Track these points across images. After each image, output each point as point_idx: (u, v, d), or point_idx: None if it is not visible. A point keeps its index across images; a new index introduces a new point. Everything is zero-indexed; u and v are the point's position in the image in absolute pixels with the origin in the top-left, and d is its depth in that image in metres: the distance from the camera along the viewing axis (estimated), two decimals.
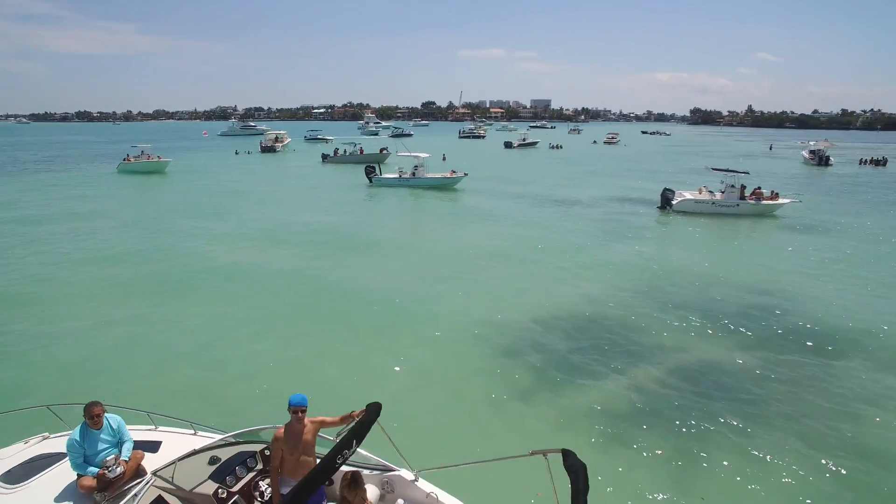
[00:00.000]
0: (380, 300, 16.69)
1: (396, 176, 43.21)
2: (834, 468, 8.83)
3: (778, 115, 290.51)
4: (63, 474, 6.28)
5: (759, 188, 33.99)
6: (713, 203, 32.63)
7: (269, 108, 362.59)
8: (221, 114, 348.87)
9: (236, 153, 77.21)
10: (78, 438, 5.99)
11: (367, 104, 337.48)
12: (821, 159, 67.28)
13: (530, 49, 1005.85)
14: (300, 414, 5.52)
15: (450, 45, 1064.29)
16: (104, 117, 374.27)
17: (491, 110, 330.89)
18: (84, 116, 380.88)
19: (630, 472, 8.64)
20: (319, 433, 5.77)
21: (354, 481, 4.87)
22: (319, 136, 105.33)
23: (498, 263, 21.23)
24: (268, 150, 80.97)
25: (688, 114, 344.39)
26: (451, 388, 11.30)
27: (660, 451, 9.21)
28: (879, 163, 67.05)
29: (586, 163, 68.98)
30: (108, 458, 6.00)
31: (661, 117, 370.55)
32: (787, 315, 15.77)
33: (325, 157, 64.66)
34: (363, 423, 4.84)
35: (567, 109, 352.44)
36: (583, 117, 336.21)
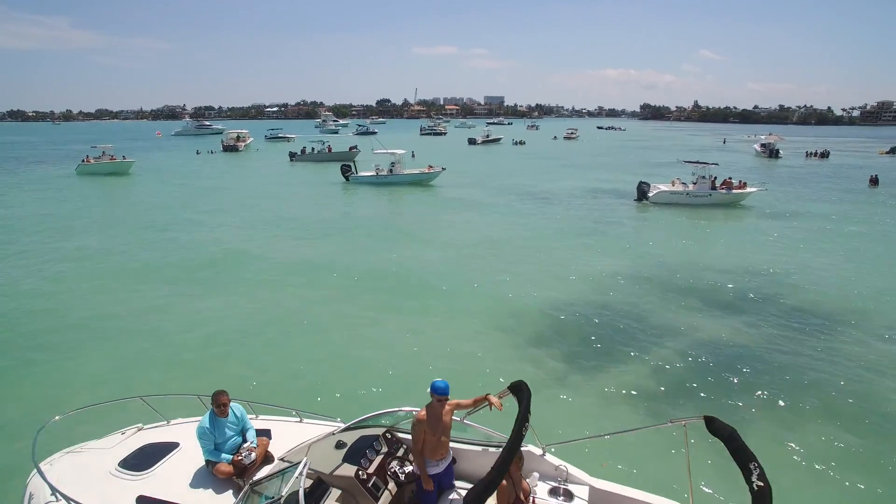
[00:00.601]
0: (411, 284, 17.78)
1: (373, 174, 43.26)
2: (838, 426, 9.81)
3: (722, 110, 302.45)
4: (185, 461, 6.45)
5: (729, 178, 35.82)
6: (687, 194, 34.21)
7: (221, 107, 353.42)
8: (170, 113, 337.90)
9: (197, 153, 75.36)
10: (208, 426, 6.20)
11: (322, 102, 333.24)
12: (771, 152, 70.85)
13: (481, 46, 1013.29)
14: (439, 402, 5.85)
15: (402, 43, 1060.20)
16: (41, 117, 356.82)
17: (446, 107, 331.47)
18: (18, 116, 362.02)
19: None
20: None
21: (520, 458, 5.29)
22: (280, 135, 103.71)
23: (494, 252, 21.92)
24: (230, 149, 79.40)
25: (638, 109, 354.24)
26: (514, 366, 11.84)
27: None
28: (824, 155, 71.12)
29: (552, 158, 70.43)
30: (244, 446, 6.26)
31: (613, 113, 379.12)
32: (775, 287, 17.56)
33: (292, 155, 63.90)
34: (527, 404, 5.03)
35: (521, 106, 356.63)
36: (536, 113, 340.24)
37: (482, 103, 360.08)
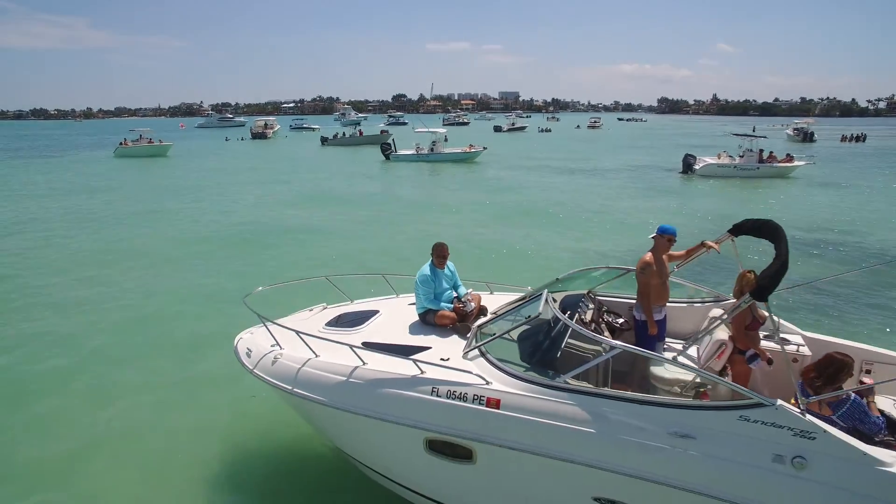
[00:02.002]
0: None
1: (414, 152, 43.37)
2: None
3: (742, 103, 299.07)
4: (393, 321, 6.53)
5: (773, 153, 35.50)
6: (735, 167, 33.97)
7: (238, 104, 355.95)
8: (188, 110, 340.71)
9: (227, 139, 76.27)
10: (429, 273, 6.30)
11: (338, 98, 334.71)
12: (805, 135, 70.02)
13: (496, 42, 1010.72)
14: (669, 243, 5.91)
15: (416, 39, 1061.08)
16: (62, 115, 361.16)
17: (461, 102, 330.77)
18: (40, 114, 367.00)
19: None
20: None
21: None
22: (305, 126, 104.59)
23: (559, 218, 21.96)
24: (259, 136, 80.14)
25: (654, 104, 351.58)
26: None
27: None
28: (860, 139, 70.15)
29: (584, 142, 70.24)
30: (465, 294, 6.47)
31: (629, 107, 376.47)
32: (848, 244, 17.34)
33: (324, 139, 64.32)
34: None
35: (536, 101, 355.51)
36: (552, 108, 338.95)
37: (497, 98, 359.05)
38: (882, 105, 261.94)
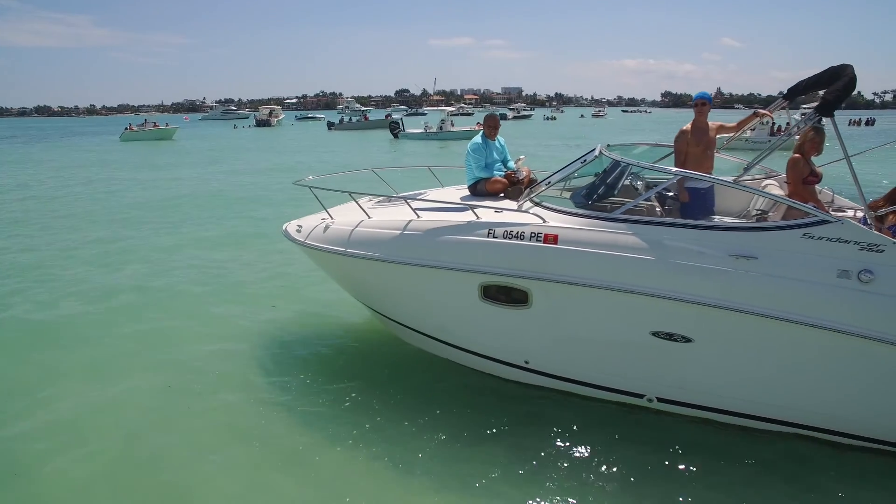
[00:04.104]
0: None
1: (422, 130, 43.38)
2: None
3: (746, 97, 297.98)
4: (444, 194, 6.47)
5: (781, 126, 35.56)
6: (746, 140, 33.91)
7: (240, 99, 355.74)
8: (190, 106, 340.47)
9: (234, 127, 76.50)
10: (481, 142, 6.24)
11: (340, 93, 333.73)
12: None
13: (498, 37, 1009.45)
14: (703, 107, 5.82)
15: (419, 34, 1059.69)
16: (66, 112, 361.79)
17: (464, 97, 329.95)
18: (44, 111, 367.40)
19: None
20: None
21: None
22: (310, 116, 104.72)
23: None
24: (263, 123, 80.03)
25: (657, 98, 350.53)
26: None
27: None
28: (869, 122, 70.04)
29: (591, 126, 70.23)
30: (516, 163, 6.45)
31: (632, 102, 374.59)
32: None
33: (330, 125, 64.36)
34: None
35: (539, 95, 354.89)
36: (555, 103, 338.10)
37: (500, 93, 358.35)
38: (888, 97, 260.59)
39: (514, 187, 6.07)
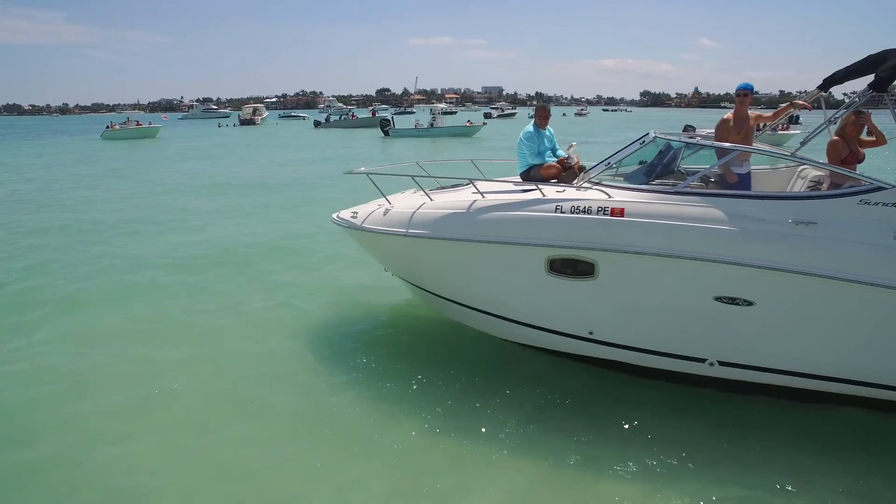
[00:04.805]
0: None
1: (413, 127, 43.55)
2: None
3: (723, 96, 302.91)
4: (495, 183, 6.58)
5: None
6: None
7: (219, 98, 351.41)
8: (168, 105, 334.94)
9: (219, 125, 75.73)
10: (533, 131, 6.47)
11: (321, 92, 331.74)
12: (791, 118, 70.89)
13: (479, 37, 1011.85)
14: (745, 97, 6.13)
15: (399, 34, 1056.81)
16: (37, 111, 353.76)
17: (446, 96, 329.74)
18: (14, 110, 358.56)
19: None
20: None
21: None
22: (293, 115, 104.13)
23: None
24: (247, 122, 79.25)
25: (636, 97, 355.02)
26: None
27: None
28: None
29: (575, 125, 70.90)
30: (568, 150, 6.64)
31: (611, 101, 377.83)
32: None
33: (317, 123, 64.18)
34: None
35: (520, 94, 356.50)
36: (535, 102, 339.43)
37: (481, 92, 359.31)
38: (857, 98, 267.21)
39: (568, 172, 6.33)
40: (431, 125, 42.98)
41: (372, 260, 7.53)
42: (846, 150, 5.64)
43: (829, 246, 4.57)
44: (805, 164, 6.52)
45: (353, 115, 63.68)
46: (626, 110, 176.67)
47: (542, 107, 6.70)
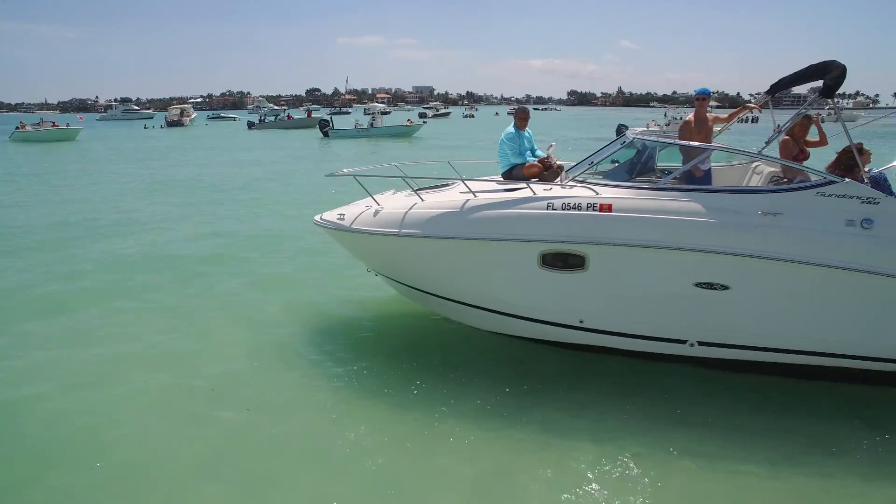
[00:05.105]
0: None
1: (353, 127, 43.27)
2: None
3: (644, 95, 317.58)
4: (478, 183, 6.70)
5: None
6: (664, 133, 36.82)
7: (139, 98, 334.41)
8: (80, 105, 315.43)
9: (145, 127, 72.09)
10: (514, 132, 6.78)
11: (248, 92, 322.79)
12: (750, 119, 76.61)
13: (408, 36, 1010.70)
14: (704, 101, 6.71)
15: (327, 33, 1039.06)
16: None
17: (377, 96, 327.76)
18: None
19: None
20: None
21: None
22: (223, 115, 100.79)
23: None
24: (174, 124, 75.50)
25: (564, 97, 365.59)
26: None
27: None
28: (755, 120, 77.08)
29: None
30: (548, 150, 6.98)
31: (540, 100, 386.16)
32: None
33: (251, 124, 62.30)
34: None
35: (451, 94, 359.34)
36: (466, 102, 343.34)
37: (412, 92, 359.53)
38: (760, 98, 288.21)
39: (549, 171, 6.70)
40: (371, 125, 42.87)
41: (351, 260, 7.65)
42: (796, 149, 6.29)
43: (792, 234, 5.14)
44: (758, 160, 7.24)
45: (289, 116, 62.26)
46: (555, 109, 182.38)
47: (522, 109, 7.03)
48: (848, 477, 4.45)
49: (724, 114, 7.25)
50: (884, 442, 4.86)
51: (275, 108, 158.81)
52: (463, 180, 6.22)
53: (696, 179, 6.26)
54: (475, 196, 5.96)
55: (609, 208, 5.48)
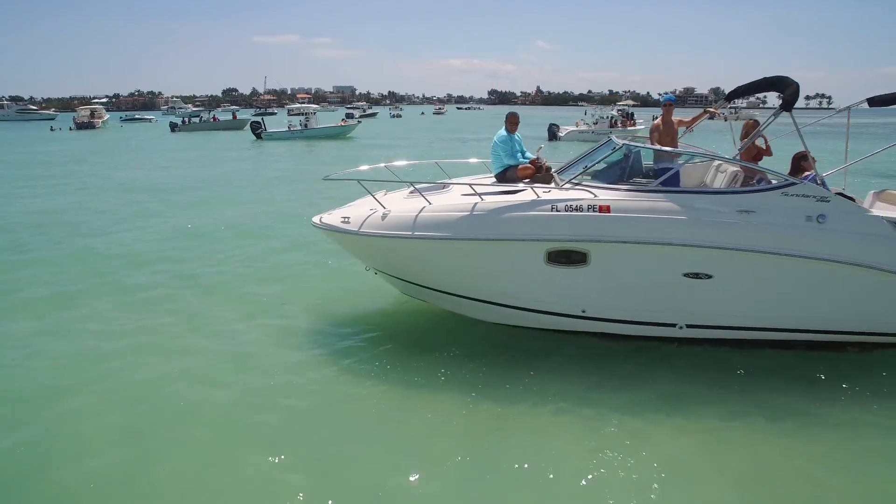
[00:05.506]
0: None
1: (286, 129, 42.54)
2: None
3: (562, 95, 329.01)
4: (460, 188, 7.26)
5: (623, 118, 41.55)
6: (592, 132, 39.19)
7: (32, 97, 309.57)
8: None
9: (52, 129, 67.13)
10: (506, 135, 7.34)
11: (160, 92, 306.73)
12: (627, 115, 79.74)
13: (326, 35, 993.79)
14: (670, 107, 7.56)
15: (242, 31, 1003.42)
16: None
17: (297, 96, 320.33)
18: None
19: None
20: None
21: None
22: (138, 117, 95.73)
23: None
24: (84, 126, 69.98)
25: (485, 95, 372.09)
26: None
27: None
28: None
29: (441, 123, 73.49)
30: (538, 152, 7.61)
31: (462, 100, 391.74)
32: None
33: (174, 126, 59.20)
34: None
35: (373, 94, 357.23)
36: (388, 101, 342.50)
37: (333, 92, 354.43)
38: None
39: (542, 174, 7.31)
40: (306, 126, 42.31)
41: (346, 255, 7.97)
42: (755, 150, 7.23)
43: (764, 228, 6.03)
44: (719, 160, 8.17)
45: (214, 118, 60.05)
46: (479, 108, 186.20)
47: (513, 114, 7.61)
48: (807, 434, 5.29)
49: (687, 117, 8.10)
50: (832, 400, 5.79)
51: (194, 109, 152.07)
52: (471, 185, 6.70)
53: (672, 179, 7.08)
54: (482, 199, 6.45)
55: (608, 209, 6.17)
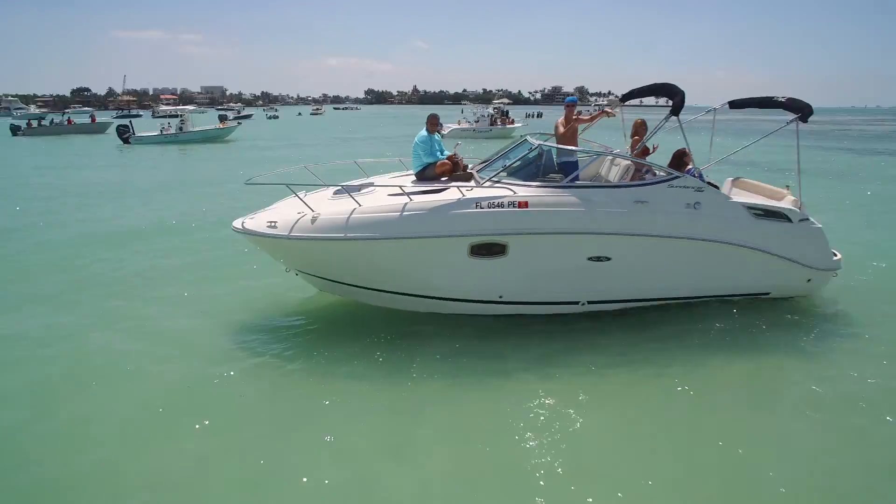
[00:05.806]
0: None
1: (158, 132, 39.89)
2: None
3: (438, 94, 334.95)
4: (394, 182, 7.77)
5: (500, 116, 43.61)
6: (474, 130, 41.14)
7: None
8: None
9: None
10: (426, 135, 7.85)
11: None
12: (503, 113, 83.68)
13: (195, 31, 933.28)
14: (572, 107, 8.48)
15: (99, 24, 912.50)
16: None
17: (161, 97, 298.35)
18: None
19: None
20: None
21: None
22: None
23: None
24: None
25: (361, 96, 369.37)
26: None
27: None
28: (539, 115, 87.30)
29: (321, 124, 72.44)
30: (454, 150, 8.17)
31: (338, 99, 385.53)
32: None
33: (16, 129, 51.87)
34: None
35: (245, 94, 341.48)
36: (261, 102, 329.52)
37: (201, 92, 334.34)
38: (538, 96, 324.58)
39: (460, 172, 7.92)
40: (181, 129, 39.89)
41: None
42: (644, 147, 8.34)
43: (654, 216, 7.11)
44: (615, 155, 9.23)
45: (70, 121, 54.29)
46: (356, 108, 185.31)
47: (433, 115, 8.19)
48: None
49: (586, 115, 9.05)
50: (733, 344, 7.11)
51: (37, 110, 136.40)
52: (403, 188, 7.12)
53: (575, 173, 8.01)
54: (410, 199, 6.92)
55: (525, 205, 6.91)
